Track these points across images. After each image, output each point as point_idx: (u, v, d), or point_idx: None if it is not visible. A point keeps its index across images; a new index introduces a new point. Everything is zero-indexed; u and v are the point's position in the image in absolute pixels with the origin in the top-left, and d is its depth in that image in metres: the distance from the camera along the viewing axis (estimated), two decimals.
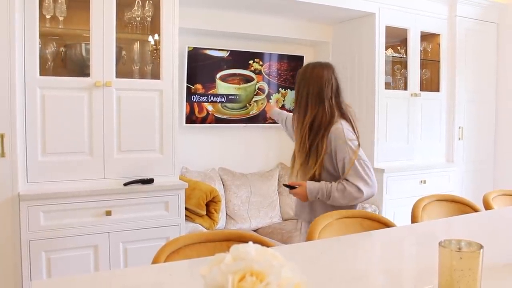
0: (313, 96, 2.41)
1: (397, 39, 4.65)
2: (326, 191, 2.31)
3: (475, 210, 2.36)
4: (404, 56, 4.53)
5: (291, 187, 2.42)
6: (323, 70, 2.46)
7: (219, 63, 4.26)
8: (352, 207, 2.40)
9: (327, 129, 2.35)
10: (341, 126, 2.36)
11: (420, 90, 4.56)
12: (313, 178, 2.36)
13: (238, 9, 4.13)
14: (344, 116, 2.45)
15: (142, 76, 3.38)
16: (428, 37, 4.70)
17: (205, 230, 3.60)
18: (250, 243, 0.93)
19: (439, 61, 4.70)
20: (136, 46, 3.38)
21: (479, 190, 3.84)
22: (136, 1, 3.28)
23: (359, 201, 2.35)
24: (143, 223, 3.13)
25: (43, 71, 2.99)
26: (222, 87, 4.28)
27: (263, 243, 1.33)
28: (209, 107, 4.24)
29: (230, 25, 4.19)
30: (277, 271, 0.86)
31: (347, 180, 2.31)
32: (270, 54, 4.52)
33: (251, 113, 4.47)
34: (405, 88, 4.53)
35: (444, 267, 1.14)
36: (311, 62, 2.54)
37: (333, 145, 2.33)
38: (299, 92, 2.45)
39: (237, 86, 4.36)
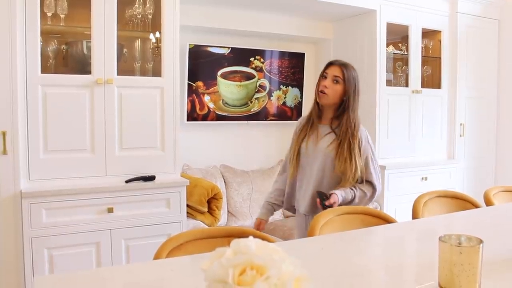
0: (357, 91, 2.46)
1: (398, 36, 4.65)
2: (351, 199, 2.39)
3: (476, 206, 2.36)
4: (405, 53, 4.52)
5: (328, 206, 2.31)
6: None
7: (220, 61, 4.26)
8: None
9: (359, 128, 2.45)
10: (364, 128, 2.51)
11: (422, 87, 4.56)
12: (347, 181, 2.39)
13: (239, 7, 4.13)
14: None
15: (144, 73, 3.39)
16: (429, 34, 4.69)
17: (206, 227, 3.60)
18: (251, 237, 0.94)
19: (440, 58, 4.70)
20: (137, 43, 3.39)
21: (480, 187, 3.84)
22: None
23: (373, 198, 2.48)
24: (145, 220, 3.14)
25: (45, 69, 3.00)
26: (223, 85, 4.29)
27: (264, 239, 1.33)
28: (211, 104, 4.25)
29: (231, 22, 4.20)
30: (277, 265, 0.86)
31: (366, 181, 2.44)
32: (271, 51, 4.52)
33: (252, 110, 4.47)
34: (406, 85, 4.53)
35: (444, 262, 1.14)
36: (348, 62, 2.52)
37: (361, 143, 2.44)
38: (356, 86, 2.45)
39: (238, 83, 4.36)
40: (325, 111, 2.49)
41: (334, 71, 2.43)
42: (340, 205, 2.30)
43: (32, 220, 2.83)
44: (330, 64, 2.48)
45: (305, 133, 2.51)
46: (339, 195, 2.33)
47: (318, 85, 2.47)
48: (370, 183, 2.46)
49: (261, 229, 2.56)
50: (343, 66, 2.45)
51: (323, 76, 2.46)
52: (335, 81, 2.41)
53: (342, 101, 2.43)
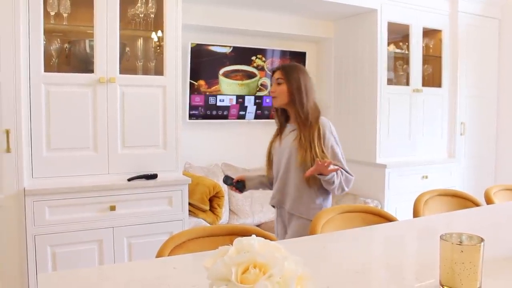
0: (311, 89, 2.58)
1: (399, 35, 4.65)
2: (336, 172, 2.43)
3: (477, 204, 2.37)
4: (406, 52, 4.53)
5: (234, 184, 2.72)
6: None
7: (222, 59, 4.27)
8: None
9: (318, 119, 2.53)
10: (326, 119, 2.58)
11: (422, 86, 4.57)
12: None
13: (241, 6, 4.14)
14: (323, 113, 2.63)
15: (146, 72, 3.40)
16: (430, 33, 4.69)
17: (208, 225, 3.62)
18: (253, 236, 0.95)
19: (441, 57, 4.71)
20: (140, 42, 3.40)
21: (480, 185, 3.85)
22: None
23: (349, 185, 2.53)
24: (147, 218, 3.16)
25: (48, 68, 3.01)
26: (225, 83, 4.30)
27: (266, 238, 1.35)
28: (212, 103, 4.26)
29: (233, 22, 4.20)
30: (280, 263, 0.88)
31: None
32: (273, 50, 4.53)
33: None
34: (407, 84, 4.53)
35: (445, 260, 1.15)
36: (294, 64, 2.71)
37: (324, 135, 2.51)
38: (299, 83, 2.54)
39: (240, 82, 4.37)
40: (289, 112, 2.61)
41: (277, 75, 2.59)
42: (332, 176, 2.40)
43: (35, 217, 2.84)
44: (274, 71, 2.63)
45: (276, 134, 2.70)
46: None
47: None
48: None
49: (237, 178, 2.77)
50: (283, 68, 2.61)
51: (271, 84, 2.64)
52: (278, 83, 2.56)
53: (291, 99, 2.54)
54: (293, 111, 2.56)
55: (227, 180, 2.74)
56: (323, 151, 2.46)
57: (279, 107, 2.61)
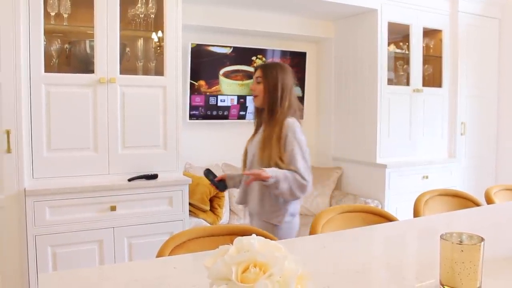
0: (288, 89, 2.55)
1: (399, 35, 4.65)
2: (286, 175, 2.35)
3: (477, 204, 2.37)
4: (406, 52, 4.53)
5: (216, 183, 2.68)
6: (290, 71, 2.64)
7: (222, 60, 4.28)
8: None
9: (283, 121, 2.45)
10: (292, 121, 2.47)
11: (422, 86, 4.57)
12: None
13: (241, 6, 4.14)
14: (294, 114, 2.55)
15: (146, 72, 3.40)
16: (430, 33, 4.70)
17: (208, 225, 3.62)
18: (254, 235, 0.95)
19: (441, 57, 4.71)
20: (140, 42, 3.40)
21: (481, 185, 3.85)
22: None
23: (304, 191, 2.41)
24: (148, 218, 3.16)
25: (48, 68, 3.01)
26: (225, 84, 4.30)
27: (266, 237, 1.35)
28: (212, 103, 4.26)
29: (233, 22, 4.20)
30: (280, 262, 0.88)
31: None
32: (273, 50, 4.54)
33: None
34: (408, 84, 4.53)
35: (445, 259, 1.15)
36: (275, 62, 2.66)
37: (286, 137, 2.43)
38: (276, 81, 2.52)
39: (240, 82, 4.37)
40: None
41: (257, 73, 2.59)
42: (272, 171, 2.34)
43: (36, 218, 2.85)
44: (256, 69, 2.63)
45: (253, 134, 2.69)
46: (268, 170, 2.34)
47: None
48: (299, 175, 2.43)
49: (219, 178, 2.72)
50: (263, 66, 2.61)
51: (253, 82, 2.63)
52: (257, 82, 2.57)
53: (269, 98, 2.53)
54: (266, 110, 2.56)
55: (209, 174, 2.68)
56: (280, 152, 2.40)
57: (259, 107, 2.59)
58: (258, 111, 2.64)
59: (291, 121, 2.45)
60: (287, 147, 2.40)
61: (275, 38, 4.65)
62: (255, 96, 2.57)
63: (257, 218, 2.52)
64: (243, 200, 2.63)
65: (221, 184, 2.69)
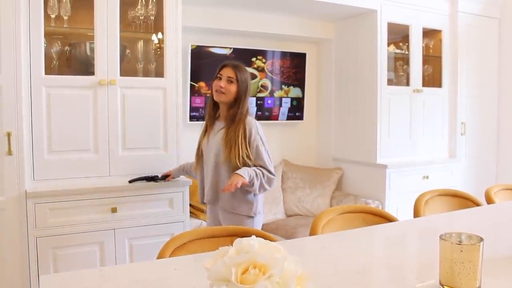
0: (247, 90, 2.72)
1: (399, 36, 4.66)
2: (256, 172, 2.56)
3: (477, 204, 2.38)
4: (406, 52, 4.53)
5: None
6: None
7: (222, 61, 4.22)
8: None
9: (245, 120, 2.64)
10: (252, 118, 2.70)
11: (422, 86, 4.57)
12: (236, 167, 2.58)
13: (241, 7, 4.14)
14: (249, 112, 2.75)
15: (146, 74, 3.41)
16: (430, 33, 4.70)
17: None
18: (253, 236, 0.95)
19: (441, 57, 4.71)
20: (140, 44, 3.41)
21: (481, 185, 3.85)
22: (140, 0, 3.30)
23: (271, 184, 2.65)
24: (148, 219, 3.16)
25: (48, 70, 3.01)
26: None
27: (266, 238, 1.35)
28: None
29: (233, 23, 4.21)
30: (280, 263, 0.88)
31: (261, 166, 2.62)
32: (273, 51, 4.54)
33: None
34: (407, 84, 4.53)
35: (444, 259, 1.16)
36: (240, 64, 2.83)
37: (250, 134, 2.62)
38: (246, 85, 2.70)
39: None
40: (221, 109, 2.75)
41: (228, 72, 2.71)
42: (246, 172, 2.52)
43: (37, 220, 2.85)
44: (223, 66, 2.74)
45: (205, 130, 2.82)
46: (242, 172, 2.50)
47: (212, 85, 2.75)
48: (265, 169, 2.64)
49: (167, 180, 3.17)
50: (236, 67, 2.72)
51: (217, 77, 2.72)
52: (229, 82, 2.68)
53: (235, 99, 2.67)
54: (227, 109, 2.68)
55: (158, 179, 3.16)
56: (247, 149, 2.58)
57: (222, 103, 2.70)
58: (215, 107, 2.77)
59: (252, 120, 2.67)
60: (252, 144, 2.61)
61: (275, 39, 4.65)
62: (221, 93, 2.66)
63: (230, 213, 2.67)
64: (212, 200, 2.74)
65: (163, 177, 3.15)
